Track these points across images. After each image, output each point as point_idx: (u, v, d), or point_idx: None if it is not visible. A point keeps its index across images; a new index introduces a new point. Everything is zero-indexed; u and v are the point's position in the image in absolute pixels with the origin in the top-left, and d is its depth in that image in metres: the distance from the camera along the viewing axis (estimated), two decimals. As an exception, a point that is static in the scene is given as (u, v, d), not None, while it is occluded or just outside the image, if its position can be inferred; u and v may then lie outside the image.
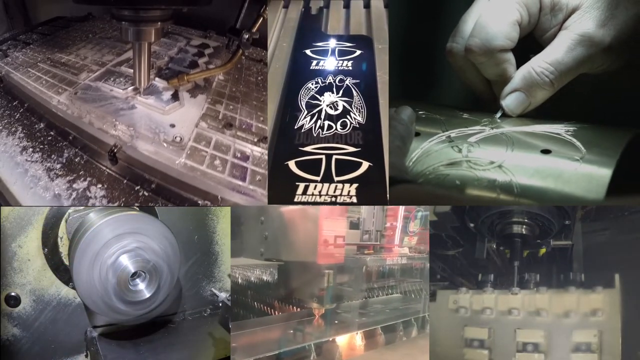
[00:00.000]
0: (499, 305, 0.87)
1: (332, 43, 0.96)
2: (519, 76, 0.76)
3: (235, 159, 0.90)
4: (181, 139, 0.91)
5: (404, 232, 1.63)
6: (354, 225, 1.41)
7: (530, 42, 0.78)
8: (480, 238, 1.00)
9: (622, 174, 0.66)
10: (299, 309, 1.31)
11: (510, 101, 0.77)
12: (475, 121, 0.77)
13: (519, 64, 0.77)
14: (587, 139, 0.70)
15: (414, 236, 1.64)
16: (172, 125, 0.95)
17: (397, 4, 1.00)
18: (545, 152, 0.70)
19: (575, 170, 0.67)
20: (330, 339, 1.26)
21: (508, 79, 0.77)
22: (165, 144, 0.90)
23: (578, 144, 0.70)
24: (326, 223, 1.34)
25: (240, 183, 0.85)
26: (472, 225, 0.97)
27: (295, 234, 1.28)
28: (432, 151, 0.73)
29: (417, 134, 0.75)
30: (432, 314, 0.96)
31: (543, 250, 1.02)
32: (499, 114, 0.78)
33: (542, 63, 0.74)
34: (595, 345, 0.79)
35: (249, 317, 1.22)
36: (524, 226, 0.92)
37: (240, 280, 1.34)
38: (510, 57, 0.76)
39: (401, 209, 1.54)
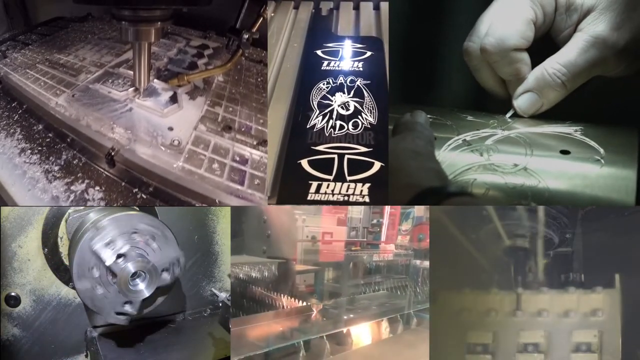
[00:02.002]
0: (504, 306, 0.87)
1: (343, 44, 0.97)
2: (532, 77, 0.75)
3: (234, 163, 0.90)
4: (179, 142, 0.91)
5: (397, 231, 1.65)
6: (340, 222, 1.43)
7: (547, 44, 0.78)
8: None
9: None
10: (291, 306, 1.32)
11: (522, 101, 0.77)
12: (483, 123, 0.76)
13: (536, 65, 0.76)
14: (598, 138, 0.70)
15: (406, 235, 1.65)
16: (170, 128, 0.95)
17: (397, 4, 1.00)
18: (565, 152, 0.69)
19: (598, 172, 0.66)
20: (319, 336, 1.27)
21: (522, 79, 0.76)
22: (163, 148, 0.89)
23: (593, 143, 0.69)
24: (324, 221, 1.35)
25: (239, 187, 0.85)
26: (473, 236, 0.97)
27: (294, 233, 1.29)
28: (452, 156, 0.72)
29: (434, 139, 0.74)
30: (432, 315, 0.96)
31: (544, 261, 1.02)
32: (509, 114, 0.78)
33: (555, 64, 0.74)
34: (596, 345, 0.79)
35: (238, 314, 1.24)
36: (527, 239, 0.92)
37: (233, 279, 1.36)
38: (525, 56, 0.76)
39: (387, 207, 1.55)
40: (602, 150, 0.68)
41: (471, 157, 0.71)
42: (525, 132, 0.73)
